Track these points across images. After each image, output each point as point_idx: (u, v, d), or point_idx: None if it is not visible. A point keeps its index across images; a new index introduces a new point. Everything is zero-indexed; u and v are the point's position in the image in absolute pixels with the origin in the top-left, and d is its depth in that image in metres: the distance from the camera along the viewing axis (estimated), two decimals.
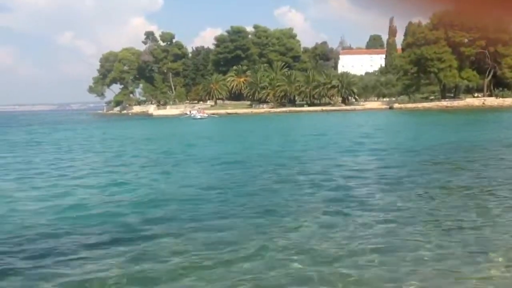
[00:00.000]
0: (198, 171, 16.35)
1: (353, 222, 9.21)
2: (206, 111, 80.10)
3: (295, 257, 7.36)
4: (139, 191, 12.82)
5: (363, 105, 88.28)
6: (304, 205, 10.68)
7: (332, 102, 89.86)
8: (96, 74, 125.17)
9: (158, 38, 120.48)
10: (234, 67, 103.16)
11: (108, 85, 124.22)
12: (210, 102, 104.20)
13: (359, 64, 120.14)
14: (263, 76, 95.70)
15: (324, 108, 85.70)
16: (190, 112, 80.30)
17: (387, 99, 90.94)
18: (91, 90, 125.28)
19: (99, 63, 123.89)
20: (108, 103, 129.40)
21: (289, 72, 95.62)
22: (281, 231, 8.70)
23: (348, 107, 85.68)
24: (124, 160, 20.95)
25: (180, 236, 8.58)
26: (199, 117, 72.43)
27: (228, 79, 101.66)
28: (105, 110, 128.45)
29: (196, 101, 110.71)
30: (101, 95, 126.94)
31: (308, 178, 14.07)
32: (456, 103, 75.56)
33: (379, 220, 9.35)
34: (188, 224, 9.36)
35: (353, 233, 8.55)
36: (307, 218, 9.51)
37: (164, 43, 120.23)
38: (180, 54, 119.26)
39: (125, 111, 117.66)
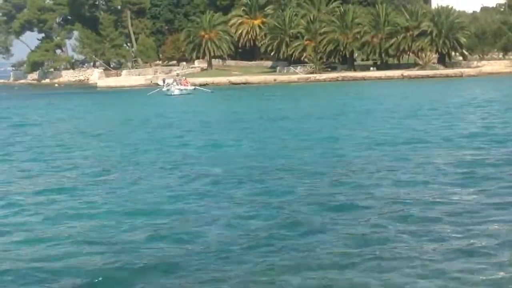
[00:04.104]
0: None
1: None
2: (192, 80, 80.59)
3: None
4: None
5: (477, 66, 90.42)
6: None
7: (421, 62, 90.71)
8: None
9: None
10: (243, 0, 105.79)
11: (18, 34, 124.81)
12: (199, 64, 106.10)
13: None
14: (296, 15, 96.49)
15: (406, 72, 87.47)
16: (163, 82, 79.11)
17: None
18: None
19: None
20: (18, 65, 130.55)
21: (343, 9, 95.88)
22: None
23: (449, 71, 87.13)
24: None
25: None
26: (177, 92, 71.74)
27: (233, 21, 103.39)
28: (12, 79, 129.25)
29: (174, 62, 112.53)
30: (6, 51, 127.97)
31: None
32: None
33: None
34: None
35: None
36: None
37: None
38: None
39: (47, 80, 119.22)
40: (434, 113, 38.36)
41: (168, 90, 72.68)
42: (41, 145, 31.01)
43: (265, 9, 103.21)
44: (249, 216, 15.11)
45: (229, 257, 11.73)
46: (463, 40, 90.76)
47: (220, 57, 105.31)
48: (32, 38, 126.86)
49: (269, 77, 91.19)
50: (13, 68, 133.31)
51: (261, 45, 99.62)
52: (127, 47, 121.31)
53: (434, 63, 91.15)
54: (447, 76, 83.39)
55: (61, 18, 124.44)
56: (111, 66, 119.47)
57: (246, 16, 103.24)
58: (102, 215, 15.65)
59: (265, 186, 18.73)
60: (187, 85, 74.49)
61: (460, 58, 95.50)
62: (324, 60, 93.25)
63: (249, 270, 11.03)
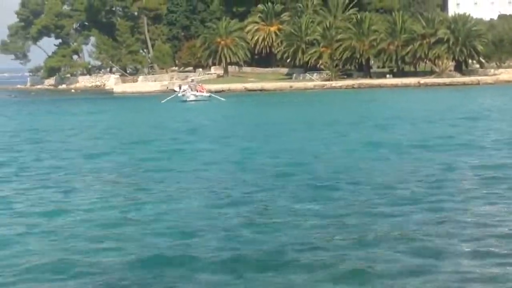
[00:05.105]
0: None
1: None
2: (208, 87, 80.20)
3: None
4: None
5: (494, 74, 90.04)
6: None
7: (437, 70, 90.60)
8: (14, 20, 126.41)
9: None
10: (259, 7, 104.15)
11: (35, 40, 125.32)
12: (215, 70, 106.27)
13: (488, 1, 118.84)
14: (312, 22, 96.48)
15: (423, 80, 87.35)
16: (179, 88, 79.23)
17: None
18: (4, 48, 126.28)
19: (19, 2, 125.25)
20: (35, 71, 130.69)
21: (359, 16, 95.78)
22: None
23: (466, 79, 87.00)
24: None
25: None
26: (193, 98, 71.37)
27: (249, 28, 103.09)
28: (29, 84, 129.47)
29: (191, 68, 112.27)
30: (23, 57, 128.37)
31: None
32: None
33: None
34: None
35: None
36: None
37: None
38: None
39: (64, 85, 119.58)
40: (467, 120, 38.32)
41: (183, 95, 72.49)
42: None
43: (281, 16, 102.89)
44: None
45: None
46: (480, 47, 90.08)
47: (236, 63, 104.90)
48: (49, 43, 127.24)
49: (285, 84, 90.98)
50: (30, 74, 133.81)
51: (277, 51, 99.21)
52: (144, 53, 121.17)
53: (450, 70, 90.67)
54: (464, 84, 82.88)
55: (78, 24, 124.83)
56: (128, 72, 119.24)
57: (262, 23, 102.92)
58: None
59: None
60: (203, 91, 74.03)
61: (477, 66, 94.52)
62: (340, 67, 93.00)
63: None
